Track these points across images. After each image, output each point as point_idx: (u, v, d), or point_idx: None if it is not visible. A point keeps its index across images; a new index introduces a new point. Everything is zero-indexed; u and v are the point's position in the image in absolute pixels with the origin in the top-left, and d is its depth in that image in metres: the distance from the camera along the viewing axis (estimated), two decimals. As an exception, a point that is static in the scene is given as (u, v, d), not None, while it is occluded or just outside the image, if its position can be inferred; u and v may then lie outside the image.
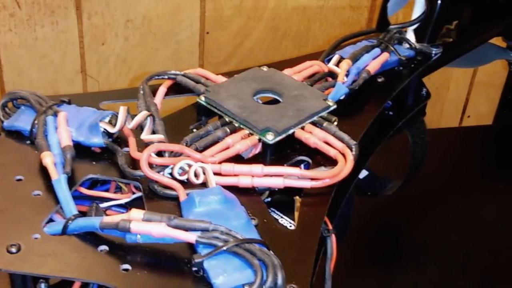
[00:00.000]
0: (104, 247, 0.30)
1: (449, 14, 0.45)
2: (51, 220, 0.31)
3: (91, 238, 0.30)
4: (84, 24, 0.65)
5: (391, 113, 0.46)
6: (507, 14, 0.50)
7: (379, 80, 0.43)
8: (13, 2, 0.61)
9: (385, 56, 0.42)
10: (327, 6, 0.72)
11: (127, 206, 0.35)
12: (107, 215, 0.34)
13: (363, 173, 0.45)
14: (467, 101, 0.83)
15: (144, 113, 0.34)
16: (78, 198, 0.33)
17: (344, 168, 0.33)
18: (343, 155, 0.35)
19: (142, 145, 0.34)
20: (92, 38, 0.66)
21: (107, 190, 0.36)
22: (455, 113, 0.84)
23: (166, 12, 0.68)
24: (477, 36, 0.49)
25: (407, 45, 0.45)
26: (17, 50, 0.64)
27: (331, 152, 0.35)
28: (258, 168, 0.33)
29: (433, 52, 0.45)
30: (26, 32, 0.64)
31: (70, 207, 0.31)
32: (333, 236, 0.34)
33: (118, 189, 0.37)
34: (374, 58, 0.42)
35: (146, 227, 0.29)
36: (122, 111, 0.34)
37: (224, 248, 0.28)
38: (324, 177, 0.33)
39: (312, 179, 0.33)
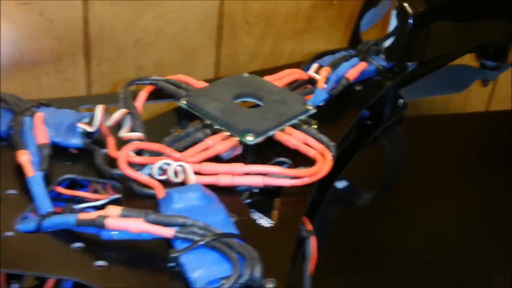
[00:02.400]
0: (79, 244, 0.29)
1: (420, 33, 0.46)
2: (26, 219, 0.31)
3: (66, 235, 0.29)
4: (93, 72, 0.61)
5: (369, 122, 0.46)
6: (481, 36, 0.52)
7: (357, 88, 0.44)
8: (16, 49, 0.57)
9: (363, 65, 0.44)
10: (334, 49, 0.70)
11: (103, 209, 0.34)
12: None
13: (342, 183, 0.45)
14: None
15: (122, 110, 0.34)
16: (54, 200, 0.33)
17: (323, 167, 0.34)
18: (322, 155, 0.35)
19: (122, 146, 0.34)
20: (101, 86, 0.62)
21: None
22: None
23: (180, 59, 0.65)
24: (452, 51, 0.50)
25: (383, 56, 0.46)
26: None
27: (310, 153, 0.35)
28: (238, 166, 0.33)
29: (409, 64, 0.46)
30: (30, 80, 0.59)
31: (45, 204, 0.31)
32: (313, 237, 0.33)
33: (96, 193, 0.36)
34: (353, 67, 0.43)
35: (123, 223, 0.28)
36: (99, 109, 0.34)
37: (202, 242, 0.28)
38: (304, 175, 0.33)
39: (292, 177, 0.33)
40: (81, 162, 0.35)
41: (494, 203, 0.46)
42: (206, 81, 0.42)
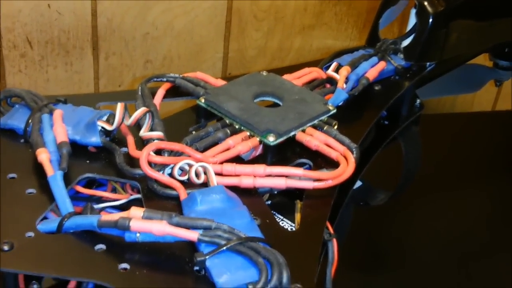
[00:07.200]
0: (101, 246, 0.29)
1: (440, 32, 0.45)
2: (45, 219, 0.30)
3: (88, 236, 0.29)
4: (101, 65, 0.61)
5: (386, 122, 0.46)
6: (499, 35, 0.51)
7: (376, 88, 0.43)
8: (25, 41, 0.57)
9: (382, 64, 0.43)
10: (352, 47, 0.70)
11: (123, 208, 0.34)
12: (102, 216, 0.33)
13: (357, 183, 0.45)
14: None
15: (143, 109, 0.34)
16: (72, 198, 0.32)
17: (346, 169, 0.33)
18: (345, 157, 0.34)
19: (141, 146, 0.34)
20: (108, 79, 0.62)
21: (102, 192, 0.35)
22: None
23: (188, 53, 0.65)
24: (470, 51, 0.50)
25: (402, 56, 0.46)
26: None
27: (333, 154, 0.35)
28: (260, 168, 0.33)
29: (428, 63, 0.46)
30: (37, 73, 0.59)
31: (66, 204, 0.30)
32: (334, 240, 0.33)
33: (114, 192, 0.36)
34: (372, 66, 0.42)
35: (146, 225, 0.28)
36: (119, 107, 0.33)
37: (228, 246, 0.27)
38: (327, 178, 0.33)
39: (315, 180, 0.33)
40: (99, 161, 0.34)
41: (505, 202, 0.46)
42: (223, 79, 0.41)
